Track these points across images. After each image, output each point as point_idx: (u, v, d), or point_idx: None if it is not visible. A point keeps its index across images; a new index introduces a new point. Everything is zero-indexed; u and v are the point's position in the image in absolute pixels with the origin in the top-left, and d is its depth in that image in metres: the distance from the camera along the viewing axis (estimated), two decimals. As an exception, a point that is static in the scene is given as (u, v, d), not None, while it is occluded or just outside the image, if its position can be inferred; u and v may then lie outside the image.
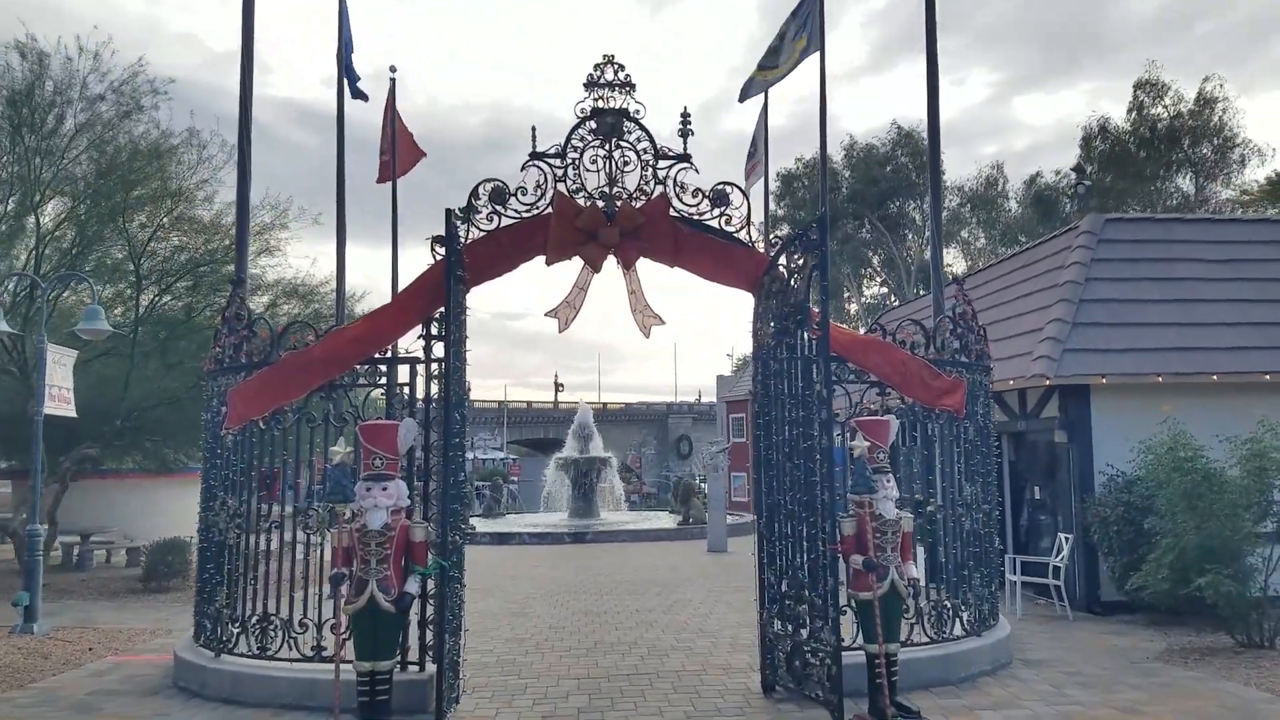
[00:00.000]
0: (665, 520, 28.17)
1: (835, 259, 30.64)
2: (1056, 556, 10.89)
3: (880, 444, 6.67)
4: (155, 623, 11.65)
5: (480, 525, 26.93)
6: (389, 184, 13.07)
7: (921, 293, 27.40)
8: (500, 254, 7.61)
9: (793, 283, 7.14)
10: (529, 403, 66.74)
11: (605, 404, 65.68)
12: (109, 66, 15.53)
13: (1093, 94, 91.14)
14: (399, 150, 13.31)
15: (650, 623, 10.97)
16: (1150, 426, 10.49)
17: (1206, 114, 28.76)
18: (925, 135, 11.61)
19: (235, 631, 7.98)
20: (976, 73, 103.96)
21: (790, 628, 7.10)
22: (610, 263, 7.65)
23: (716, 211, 7.72)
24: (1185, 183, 29.60)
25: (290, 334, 8.05)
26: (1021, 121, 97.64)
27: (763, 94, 16.43)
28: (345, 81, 13.05)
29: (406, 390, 7.61)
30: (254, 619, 7.88)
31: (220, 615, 8.14)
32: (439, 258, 7.37)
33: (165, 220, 16.05)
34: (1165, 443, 9.23)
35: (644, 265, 7.83)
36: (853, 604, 6.64)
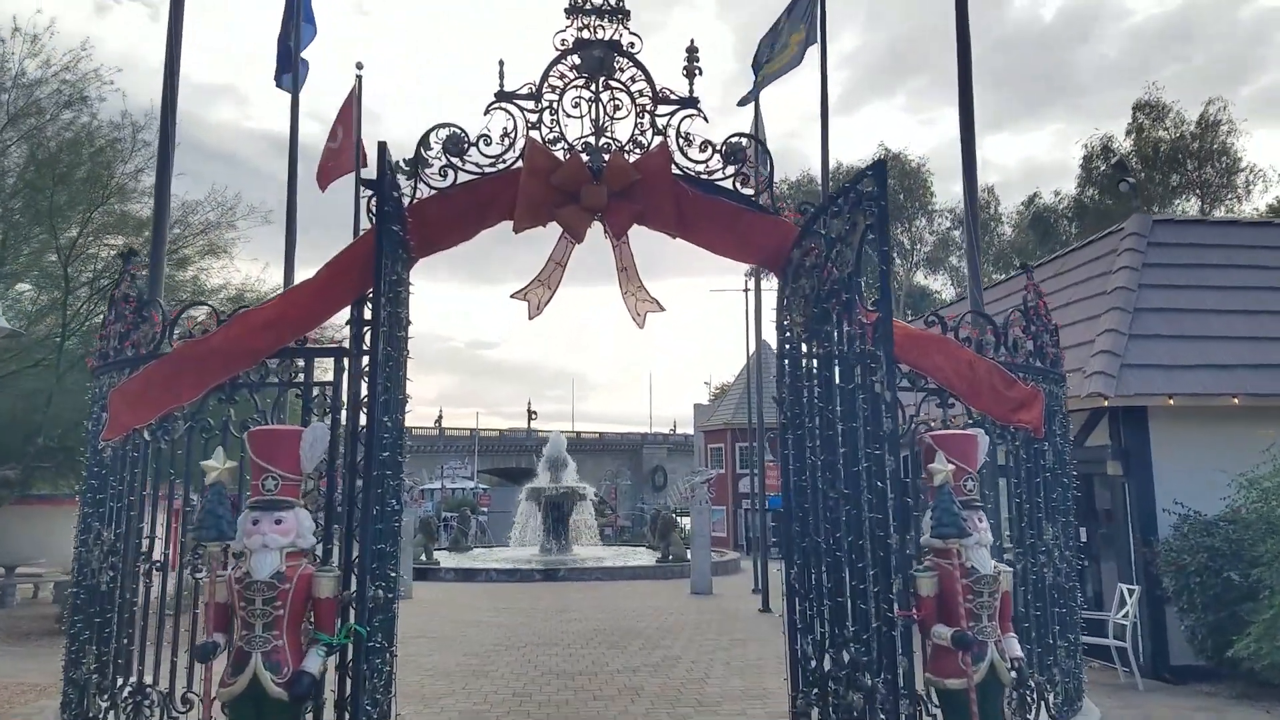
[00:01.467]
0: (643, 557, 26.14)
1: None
2: (1119, 613, 9.11)
3: (968, 468, 4.90)
4: (54, 675, 9.52)
5: (445, 560, 24.80)
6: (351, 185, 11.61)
7: (911, 316, 25.98)
8: (456, 217, 5.80)
9: (836, 253, 5.38)
10: (501, 431, 64.47)
11: (579, 433, 63.57)
12: (49, 51, 13.81)
13: (1059, 134, 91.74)
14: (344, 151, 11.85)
15: (636, 689, 9.03)
16: (1220, 456, 8.82)
17: (1209, 137, 27.76)
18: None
19: (104, 706, 6.04)
20: (946, 113, 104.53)
21: (837, 721, 5.26)
22: (596, 231, 5.86)
23: (730, 170, 5.97)
24: (1190, 207, 28.56)
25: (186, 318, 6.17)
26: (990, 160, 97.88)
27: (753, 102, 15.23)
28: (292, 71, 11.43)
29: (330, 391, 5.73)
30: (126, 691, 5.94)
31: (88, 683, 6.19)
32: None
33: (94, 216, 14.12)
34: (1270, 476, 7.53)
35: (638, 239, 6.06)
36: (933, 694, 4.79)
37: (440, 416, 62.34)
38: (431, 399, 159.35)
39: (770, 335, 7.30)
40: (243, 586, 4.32)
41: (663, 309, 6.12)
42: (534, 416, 66.35)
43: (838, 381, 5.32)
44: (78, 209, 13.89)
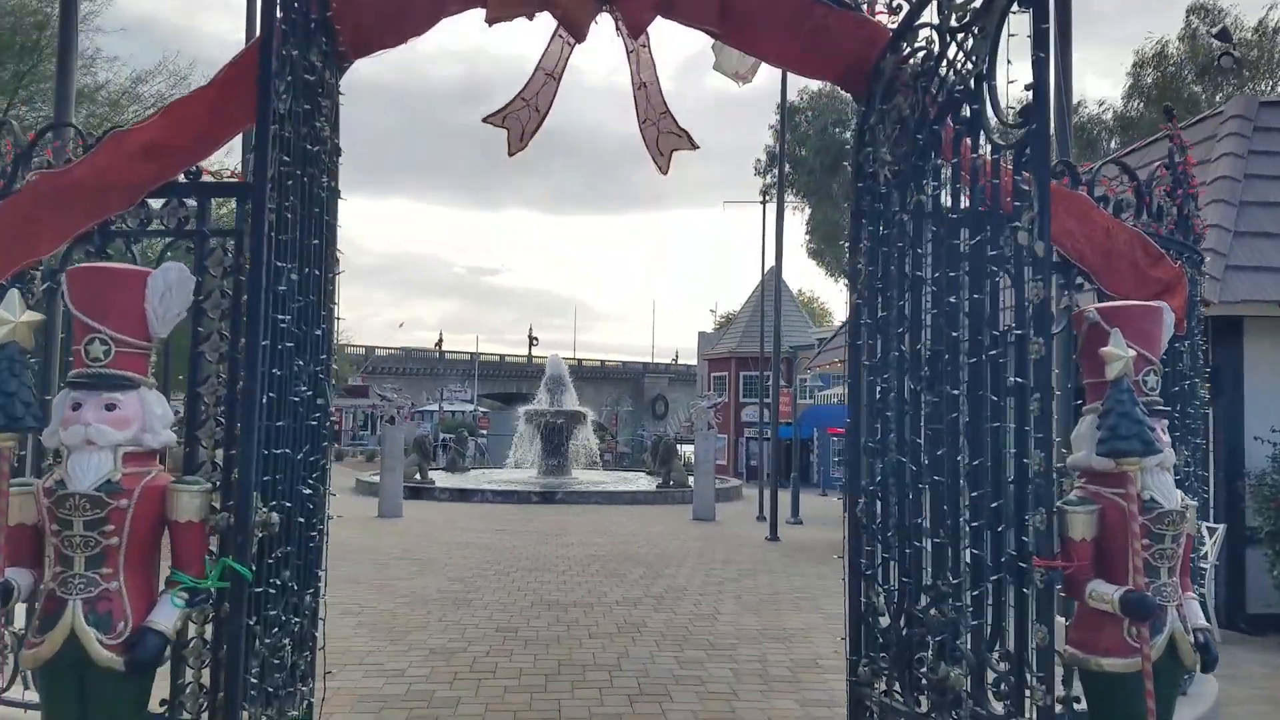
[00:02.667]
0: (644, 482, 24.87)
1: (837, 202, 27.04)
2: (1199, 554, 7.63)
3: (1151, 356, 3.29)
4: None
5: (441, 480, 23.52)
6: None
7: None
8: (404, 2, 4.05)
9: (950, 56, 3.68)
10: (502, 356, 63.01)
11: (580, 360, 62.07)
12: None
13: (1080, 63, 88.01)
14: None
15: (637, 625, 7.61)
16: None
17: (1267, 44, 25.43)
18: None
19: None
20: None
21: (922, 702, 3.74)
22: (604, 26, 4.11)
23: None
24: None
25: (45, 145, 4.50)
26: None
27: None
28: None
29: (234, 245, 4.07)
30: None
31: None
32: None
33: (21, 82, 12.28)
34: None
35: (666, 42, 4.32)
36: (1082, 678, 3.25)
37: (440, 339, 60.82)
38: (432, 324, 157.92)
39: (772, 264, 5.64)
40: (54, 502, 2.74)
41: (695, 145, 4.43)
42: (535, 343, 64.83)
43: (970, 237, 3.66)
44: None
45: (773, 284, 40.07)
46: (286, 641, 3.29)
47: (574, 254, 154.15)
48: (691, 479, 18.76)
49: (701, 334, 46.51)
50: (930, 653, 3.77)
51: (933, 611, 3.72)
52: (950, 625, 3.64)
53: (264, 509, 2.96)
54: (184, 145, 4.06)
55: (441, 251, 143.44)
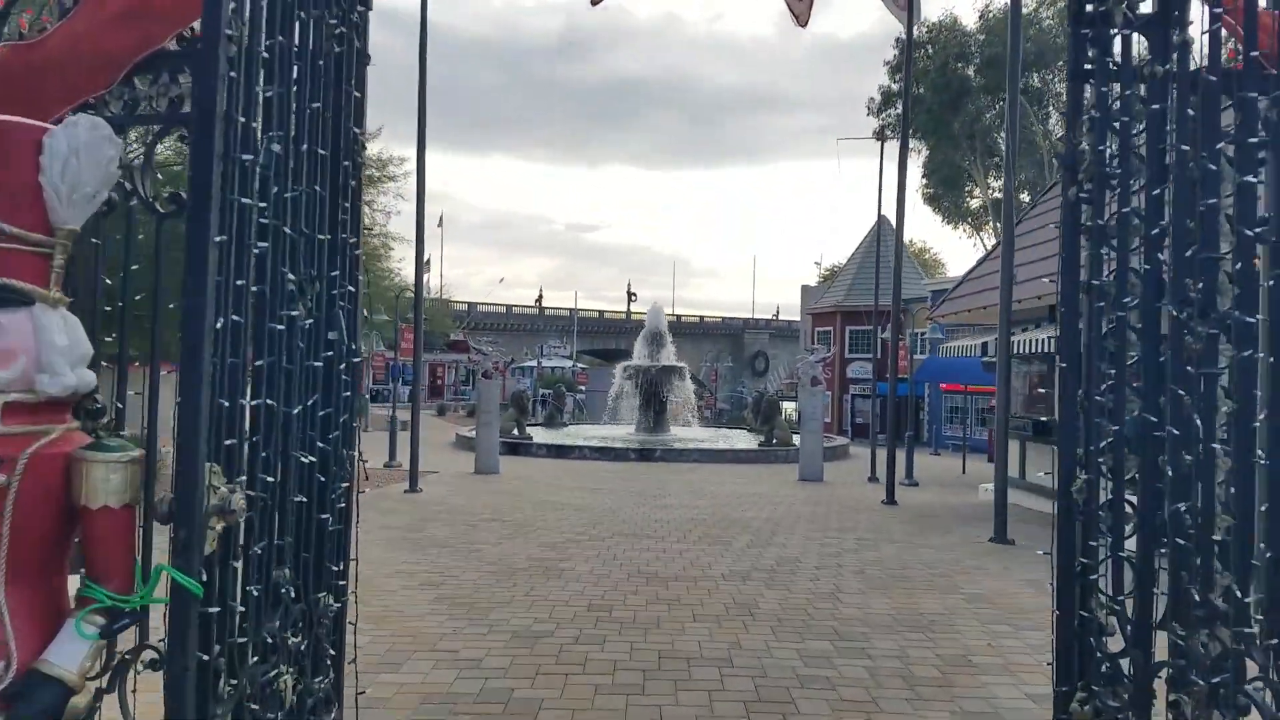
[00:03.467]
0: (745, 440, 23.73)
1: (958, 142, 24.70)
2: None
3: None
4: None
5: (539, 435, 23.01)
6: None
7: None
8: None
9: None
10: (600, 312, 62.56)
11: (679, 316, 61.02)
12: None
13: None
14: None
15: (748, 606, 6.54)
16: None
17: None
18: None
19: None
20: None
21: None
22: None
23: None
24: None
25: (19, 11, 3.64)
26: None
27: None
28: None
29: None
30: None
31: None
32: None
33: None
34: None
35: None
36: None
37: (540, 296, 60.75)
38: (531, 281, 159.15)
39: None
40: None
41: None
42: (634, 299, 64.08)
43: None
44: None
45: (886, 232, 38.00)
46: (284, 669, 2.34)
47: (672, 210, 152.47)
48: (796, 437, 17.52)
49: (805, 288, 44.62)
50: (1191, 694, 2.56)
51: (1203, 635, 2.50)
52: (1231, 657, 2.42)
53: (223, 486, 1.97)
54: (170, 6, 3.11)
55: (542, 209, 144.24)
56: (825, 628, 6.00)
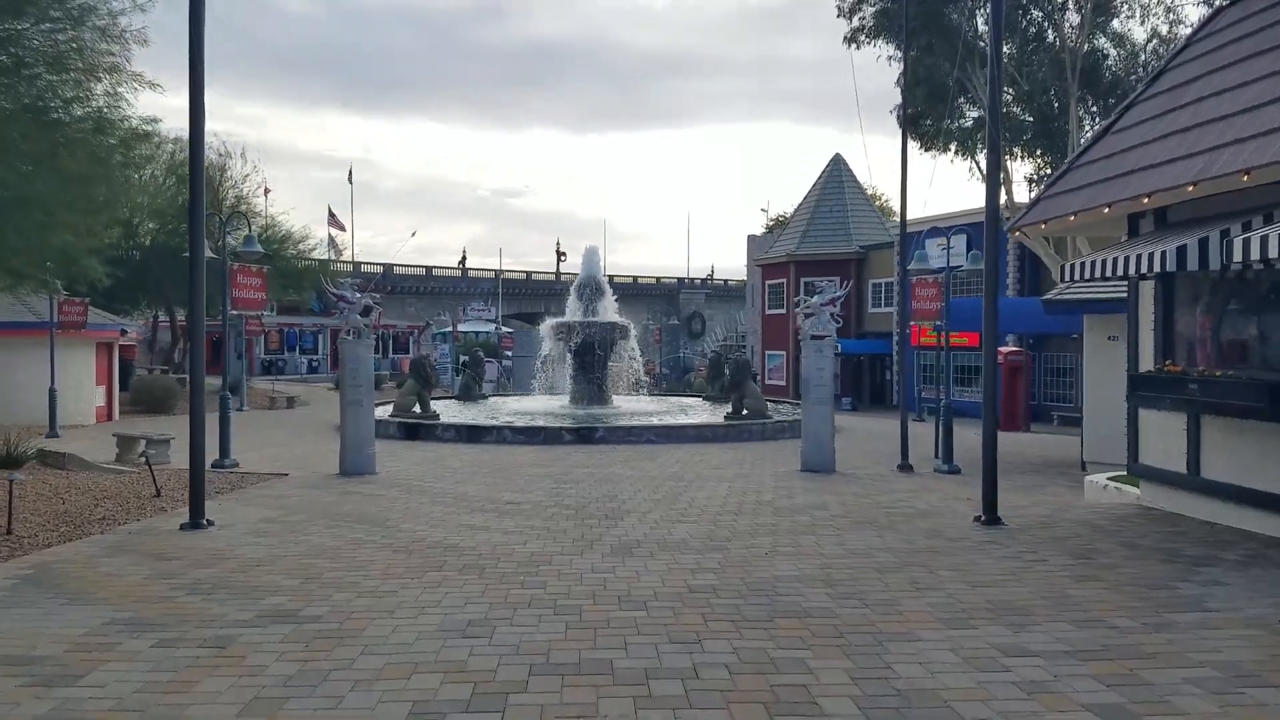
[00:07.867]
0: (704, 412, 18.58)
1: (954, 37, 19.37)
2: None
3: None
4: None
5: (450, 414, 17.43)
6: None
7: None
8: None
9: None
10: (528, 273, 56.57)
11: (611, 277, 55.51)
12: None
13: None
14: None
15: None
16: None
17: None
18: None
19: None
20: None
21: None
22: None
23: None
24: None
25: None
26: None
27: None
28: None
29: None
30: None
31: None
32: None
33: None
34: None
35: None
36: None
37: (464, 258, 54.44)
38: (455, 248, 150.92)
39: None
40: None
41: None
42: (563, 258, 58.20)
43: None
44: None
45: (843, 173, 32.48)
46: None
47: (599, 174, 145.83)
48: (803, 410, 12.45)
49: (751, 237, 39.59)
50: None
51: None
52: None
53: None
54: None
55: (465, 174, 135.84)
56: None
